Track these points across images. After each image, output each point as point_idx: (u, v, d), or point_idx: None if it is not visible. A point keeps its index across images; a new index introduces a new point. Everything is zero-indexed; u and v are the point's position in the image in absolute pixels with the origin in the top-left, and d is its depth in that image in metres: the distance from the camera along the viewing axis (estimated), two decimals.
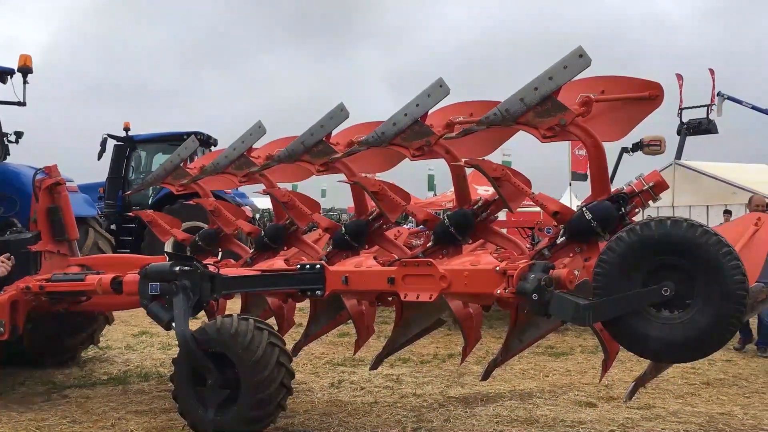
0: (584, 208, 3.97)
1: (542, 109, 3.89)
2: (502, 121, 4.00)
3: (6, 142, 7.71)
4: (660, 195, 3.93)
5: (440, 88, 4.36)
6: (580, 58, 3.74)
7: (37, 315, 6.32)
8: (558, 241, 4.18)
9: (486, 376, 5.09)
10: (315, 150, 5.05)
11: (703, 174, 23.76)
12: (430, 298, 4.34)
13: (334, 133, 5.09)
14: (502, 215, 13.37)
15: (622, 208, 3.93)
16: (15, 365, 7.27)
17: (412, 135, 4.51)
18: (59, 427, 5.43)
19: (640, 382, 4.60)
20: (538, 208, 5.27)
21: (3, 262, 5.88)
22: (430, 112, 4.48)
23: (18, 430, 5.33)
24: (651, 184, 3.92)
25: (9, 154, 7.74)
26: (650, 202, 3.95)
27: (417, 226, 8.40)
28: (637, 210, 4.00)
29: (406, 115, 4.46)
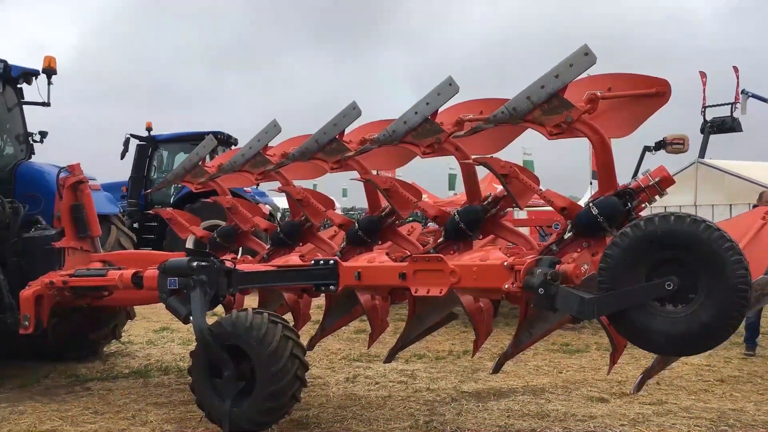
0: (591, 204, 4.04)
1: (549, 107, 3.95)
2: (509, 119, 4.06)
3: (31, 142, 7.90)
4: (666, 190, 3.98)
5: (450, 87, 4.44)
6: (586, 56, 3.80)
7: (61, 310, 6.50)
8: (565, 237, 4.24)
9: (497, 369, 5.16)
10: (328, 148, 5.15)
11: (727, 173, 23.50)
12: (440, 292, 4.42)
13: (347, 131, 5.19)
14: (522, 214, 13.36)
15: (629, 204, 3.99)
16: (40, 359, 7.49)
17: (422, 133, 4.59)
18: (81, 417, 5.59)
19: (648, 374, 4.65)
20: None
21: None
22: (440, 110, 4.56)
23: (42, 420, 5.50)
24: (657, 180, 3.96)
25: (34, 153, 7.93)
26: (657, 197, 4.00)
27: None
28: (643, 205, 4.05)
29: (416, 113, 4.55)
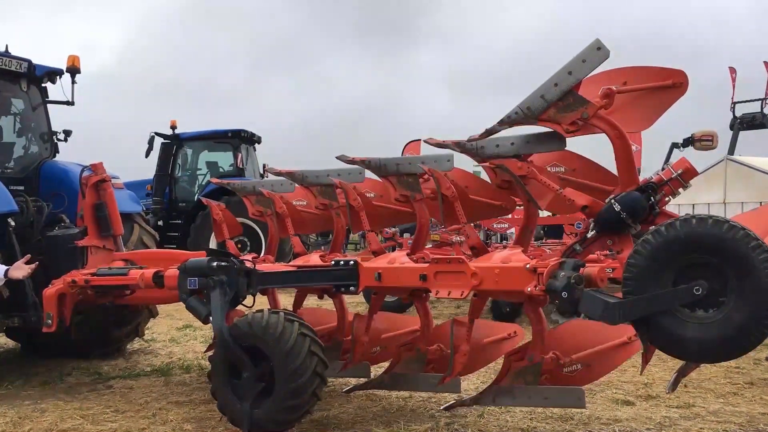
0: (612, 200, 3.94)
1: (564, 105, 3.83)
2: (524, 119, 3.96)
3: (55, 141, 7.96)
4: (690, 182, 3.87)
5: (598, 51, 3.76)
6: (598, 50, 3.70)
7: (85, 308, 6.54)
8: (589, 235, 4.15)
9: None
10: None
11: (757, 170, 23.08)
12: (462, 295, 4.37)
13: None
14: (546, 214, 13.11)
15: (652, 198, 3.88)
16: (63, 356, 7.56)
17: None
18: (102, 416, 5.61)
19: (682, 372, 4.53)
20: None
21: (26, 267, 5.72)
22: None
23: (63, 419, 5.53)
24: (680, 172, 3.86)
25: (58, 152, 7.99)
26: (680, 190, 3.89)
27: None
28: (667, 198, 3.94)
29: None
